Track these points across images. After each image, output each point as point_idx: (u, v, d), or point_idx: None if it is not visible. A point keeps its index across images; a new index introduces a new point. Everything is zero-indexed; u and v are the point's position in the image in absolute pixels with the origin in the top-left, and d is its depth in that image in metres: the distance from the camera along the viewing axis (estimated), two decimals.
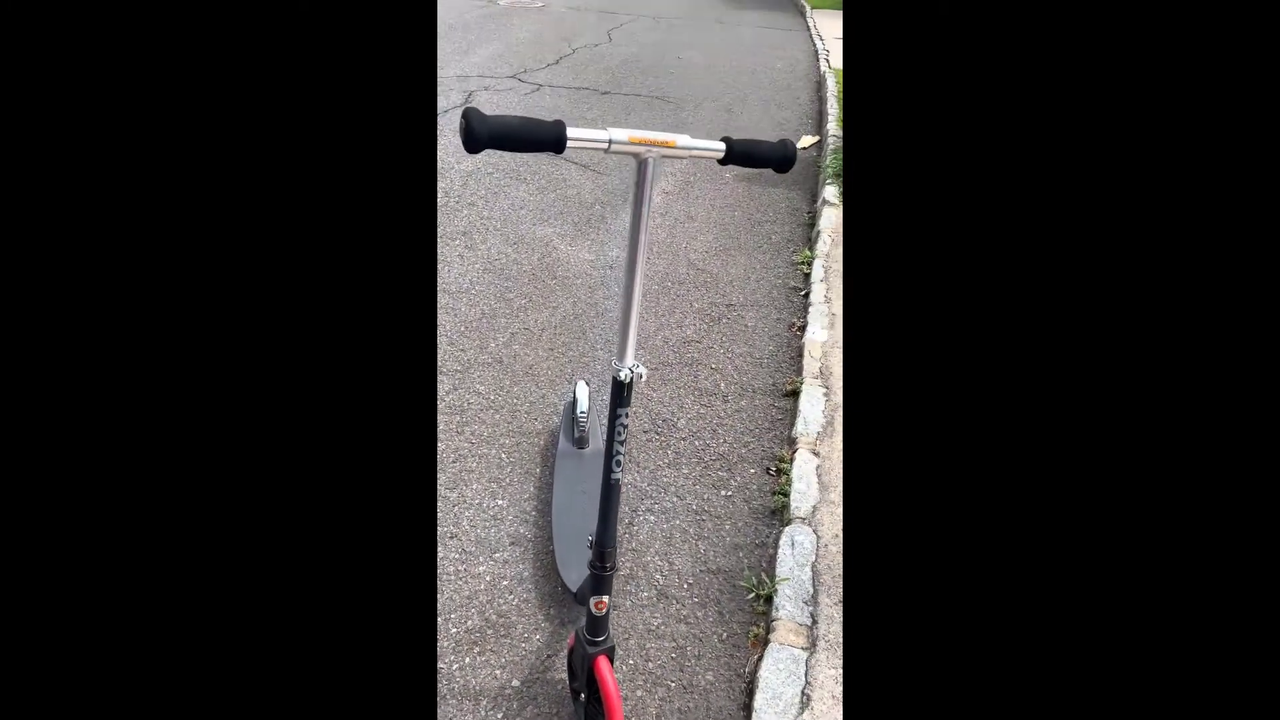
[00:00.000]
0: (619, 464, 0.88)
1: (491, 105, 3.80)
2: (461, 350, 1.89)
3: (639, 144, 0.71)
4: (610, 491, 0.89)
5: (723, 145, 0.76)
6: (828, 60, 5.03)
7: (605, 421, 1.63)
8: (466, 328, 1.99)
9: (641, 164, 0.76)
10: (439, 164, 3.02)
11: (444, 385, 1.76)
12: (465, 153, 3.14)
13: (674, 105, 4.04)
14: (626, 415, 0.86)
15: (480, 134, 0.64)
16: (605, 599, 0.93)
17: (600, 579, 0.92)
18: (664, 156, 0.75)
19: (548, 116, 0.71)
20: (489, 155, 3.15)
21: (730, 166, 0.81)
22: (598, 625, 0.94)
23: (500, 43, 5.10)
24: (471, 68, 4.45)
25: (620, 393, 0.84)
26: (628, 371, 0.83)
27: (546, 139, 0.67)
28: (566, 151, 0.70)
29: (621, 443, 0.87)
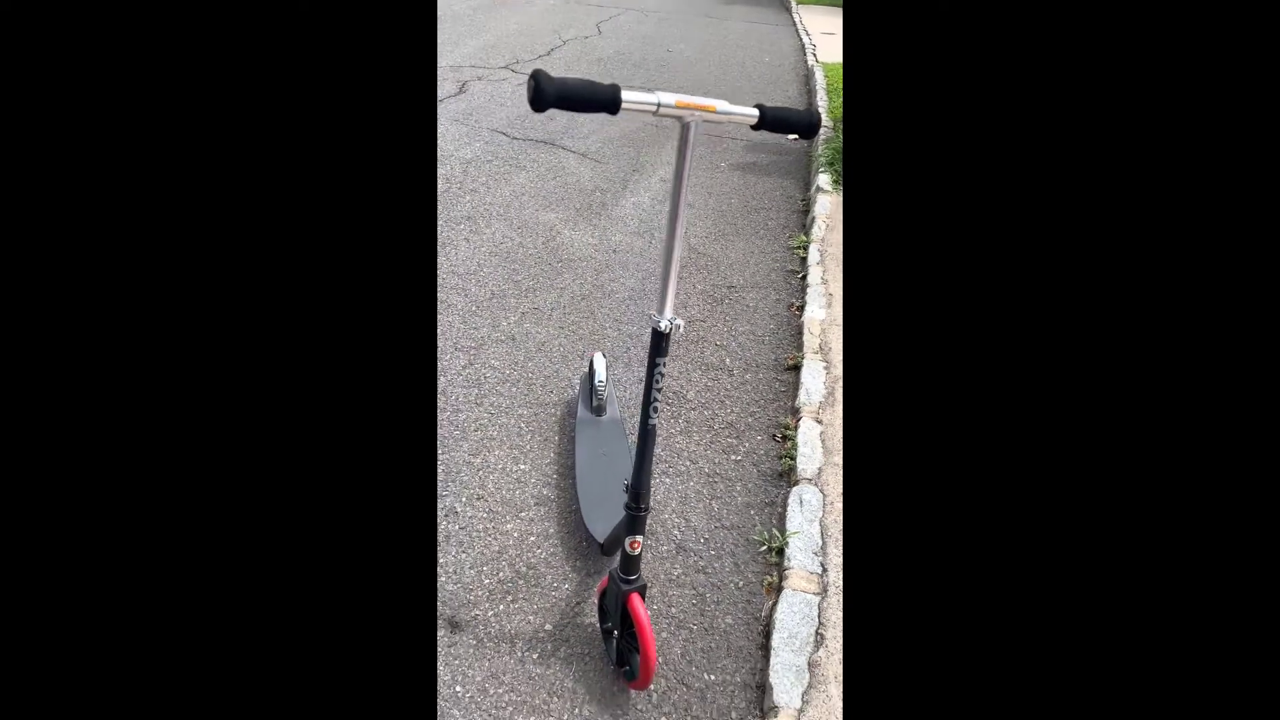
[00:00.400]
0: (656, 410, 0.95)
1: (486, 95, 3.84)
2: (474, 329, 1.95)
3: (684, 108, 0.79)
4: (647, 436, 0.96)
5: (757, 111, 0.83)
6: (815, 55, 5.13)
7: (622, 390, 1.71)
8: (478, 307, 2.05)
9: (684, 127, 0.83)
10: (439, 152, 3.05)
11: (460, 360, 1.81)
12: (465, 141, 3.19)
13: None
14: (664, 364, 0.93)
15: (548, 93, 0.71)
16: (639, 538, 1.00)
17: (635, 519, 0.99)
18: (705, 121, 0.82)
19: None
20: (485, 144, 3.19)
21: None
22: (631, 564, 1.02)
23: (491, 34, 5.12)
24: (463, 58, 4.47)
25: (659, 343, 0.92)
26: (667, 323, 0.90)
27: (604, 100, 0.74)
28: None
29: (659, 390, 0.94)
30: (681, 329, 0.91)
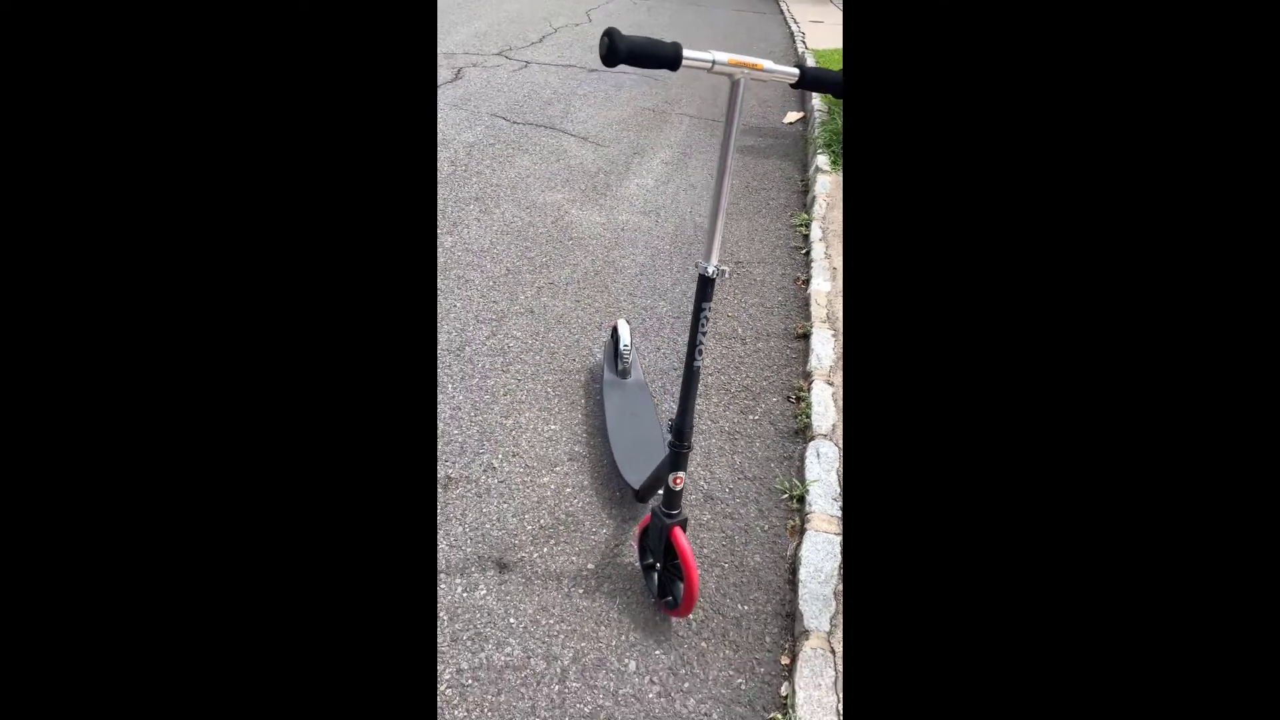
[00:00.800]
0: (700, 352, 1.03)
1: (482, 81, 3.87)
2: (494, 302, 2.01)
3: (735, 65, 0.86)
4: (691, 377, 1.04)
5: (798, 70, 0.91)
6: (804, 42, 5.22)
7: (640, 357, 1.78)
8: (494, 283, 2.11)
9: (734, 84, 0.91)
10: (440, 136, 3.09)
11: (484, 331, 1.88)
12: (465, 126, 3.23)
13: (662, 84, 4.17)
14: (709, 309, 1.01)
15: (620, 49, 0.78)
16: (682, 475, 1.08)
17: (679, 456, 1.07)
18: (753, 79, 0.90)
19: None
20: (486, 128, 3.24)
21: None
22: (674, 499, 1.10)
23: (482, 21, 5.13)
24: (456, 45, 4.49)
25: (705, 288, 0.99)
26: (714, 269, 0.98)
27: (667, 57, 0.81)
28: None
29: (704, 334, 1.02)
30: (727, 274, 0.99)
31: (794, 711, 1.02)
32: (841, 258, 2.30)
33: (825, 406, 1.65)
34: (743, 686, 1.09)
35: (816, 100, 3.74)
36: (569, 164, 2.96)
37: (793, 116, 3.72)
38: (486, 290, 2.06)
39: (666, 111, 3.67)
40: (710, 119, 3.59)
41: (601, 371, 1.65)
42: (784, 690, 1.08)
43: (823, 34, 5.50)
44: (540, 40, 4.85)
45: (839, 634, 1.14)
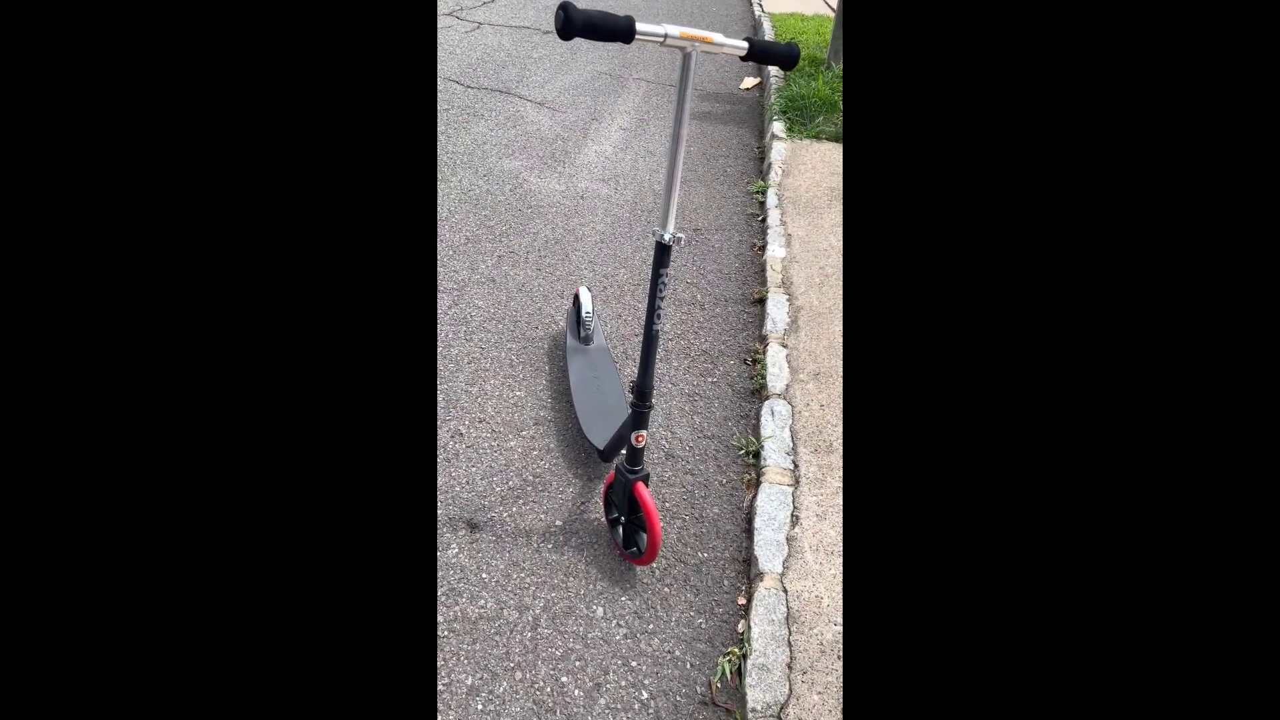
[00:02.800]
0: (659, 316, 1.08)
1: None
2: (454, 271, 2.01)
3: (686, 39, 0.89)
4: (651, 340, 1.09)
5: (746, 44, 0.95)
6: (760, 5, 5.19)
7: (601, 323, 1.82)
8: (455, 251, 2.10)
9: (686, 56, 0.94)
10: None
11: (445, 301, 1.88)
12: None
13: (618, 47, 4.11)
14: (666, 274, 1.05)
15: (576, 22, 0.80)
16: (644, 433, 1.14)
17: (640, 415, 1.13)
18: (704, 51, 0.93)
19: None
20: (440, 92, 3.15)
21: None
22: (636, 456, 1.16)
23: None
24: None
25: (662, 255, 1.04)
26: (670, 236, 1.02)
27: (621, 30, 0.83)
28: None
29: (662, 299, 1.07)
30: (682, 242, 1.03)
31: (750, 645, 1.11)
32: (797, 224, 2.36)
33: (780, 368, 1.73)
34: (703, 626, 1.18)
35: (772, 66, 3.76)
36: (526, 130, 2.92)
37: (750, 82, 3.73)
38: (446, 259, 2.05)
39: (623, 76, 3.63)
40: (667, 84, 3.57)
41: (564, 338, 1.69)
42: (740, 627, 1.17)
43: None
44: (491, 0, 4.69)
45: (790, 574, 1.23)
